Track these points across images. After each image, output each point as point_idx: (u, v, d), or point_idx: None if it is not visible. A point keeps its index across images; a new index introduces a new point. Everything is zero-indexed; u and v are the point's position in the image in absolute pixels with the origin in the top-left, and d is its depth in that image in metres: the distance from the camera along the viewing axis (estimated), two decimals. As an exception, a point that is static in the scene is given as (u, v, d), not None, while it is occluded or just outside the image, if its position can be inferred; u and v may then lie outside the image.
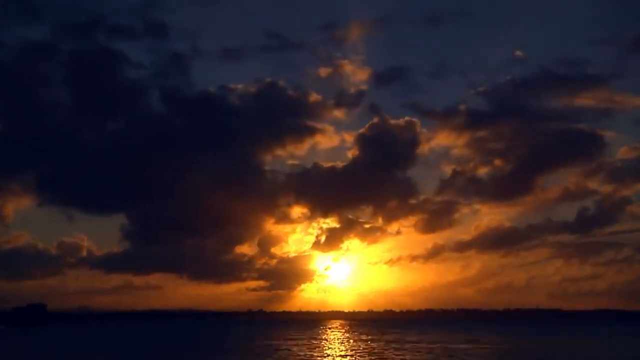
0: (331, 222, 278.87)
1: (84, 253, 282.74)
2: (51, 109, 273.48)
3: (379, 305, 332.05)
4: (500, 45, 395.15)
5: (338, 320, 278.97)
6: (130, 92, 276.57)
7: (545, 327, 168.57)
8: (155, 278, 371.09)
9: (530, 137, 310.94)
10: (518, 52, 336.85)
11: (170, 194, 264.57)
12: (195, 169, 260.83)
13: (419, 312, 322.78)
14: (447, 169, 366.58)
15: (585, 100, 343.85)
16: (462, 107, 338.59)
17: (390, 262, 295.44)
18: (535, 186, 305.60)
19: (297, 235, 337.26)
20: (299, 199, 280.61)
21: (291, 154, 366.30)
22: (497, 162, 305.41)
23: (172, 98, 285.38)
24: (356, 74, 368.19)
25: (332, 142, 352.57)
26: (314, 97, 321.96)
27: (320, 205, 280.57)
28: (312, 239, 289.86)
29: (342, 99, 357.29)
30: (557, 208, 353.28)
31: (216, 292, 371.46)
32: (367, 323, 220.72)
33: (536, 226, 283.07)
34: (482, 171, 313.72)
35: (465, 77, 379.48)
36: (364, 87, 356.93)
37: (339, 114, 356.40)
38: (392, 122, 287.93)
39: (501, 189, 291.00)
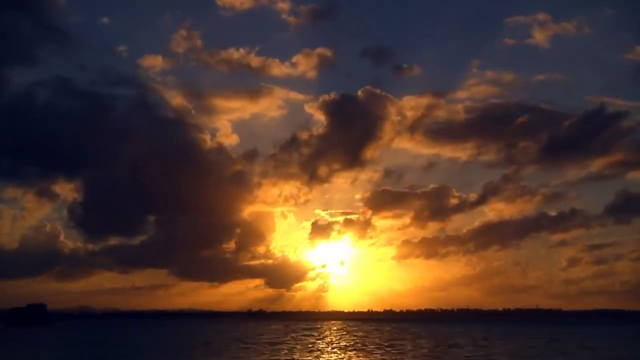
0: (321, 216, 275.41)
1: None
2: None
3: (379, 305, 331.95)
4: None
5: (338, 321, 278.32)
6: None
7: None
8: (154, 278, 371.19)
9: (533, 111, 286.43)
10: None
11: (113, 167, 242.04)
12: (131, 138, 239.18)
13: (419, 312, 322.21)
14: (429, 151, 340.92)
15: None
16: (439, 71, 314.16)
17: (390, 259, 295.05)
18: (536, 175, 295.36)
19: (286, 230, 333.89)
20: (272, 183, 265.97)
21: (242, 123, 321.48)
22: (494, 145, 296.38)
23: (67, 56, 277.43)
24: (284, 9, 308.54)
25: (281, 109, 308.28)
26: (244, 51, 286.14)
27: (297, 192, 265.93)
28: (306, 235, 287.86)
29: (279, 50, 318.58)
30: (557, 201, 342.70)
31: (216, 292, 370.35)
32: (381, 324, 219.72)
33: (536, 221, 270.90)
34: (473, 156, 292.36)
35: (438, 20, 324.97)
36: (300, 25, 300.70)
37: (279, 69, 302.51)
38: (361, 92, 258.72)
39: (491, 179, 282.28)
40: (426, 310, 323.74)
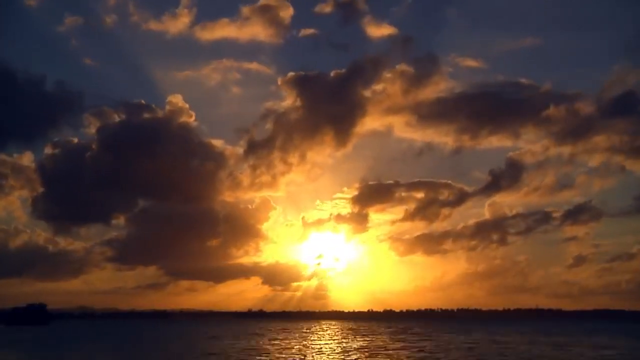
0: (310, 211, 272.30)
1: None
2: None
3: (378, 305, 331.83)
4: None
5: (338, 321, 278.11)
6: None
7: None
8: (148, 277, 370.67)
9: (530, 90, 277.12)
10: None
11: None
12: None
13: (419, 312, 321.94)
14: (418, 136, 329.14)
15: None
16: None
17: (386, 257, 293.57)
18: (536, 166, 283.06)
19: (276, 227, 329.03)
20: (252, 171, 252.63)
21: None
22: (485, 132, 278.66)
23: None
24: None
25: (243, 84, 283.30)
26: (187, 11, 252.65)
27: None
28: (297, 232, 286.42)
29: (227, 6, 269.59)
30: (557, 197, 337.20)
31: (215, 292, 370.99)
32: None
33: (536, 219, 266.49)
34: (466, 148, 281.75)
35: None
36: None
37: (230, 31, 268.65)
38: (333, 73, 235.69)
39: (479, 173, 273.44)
40: (426, 310, 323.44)
